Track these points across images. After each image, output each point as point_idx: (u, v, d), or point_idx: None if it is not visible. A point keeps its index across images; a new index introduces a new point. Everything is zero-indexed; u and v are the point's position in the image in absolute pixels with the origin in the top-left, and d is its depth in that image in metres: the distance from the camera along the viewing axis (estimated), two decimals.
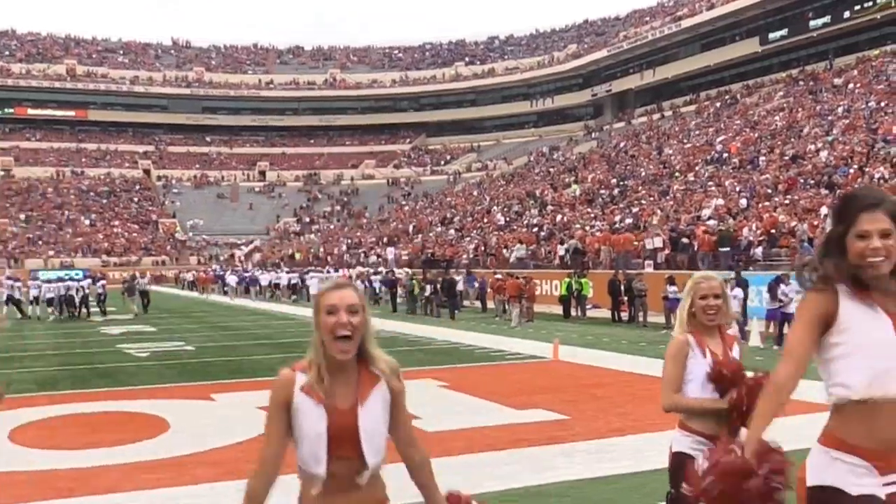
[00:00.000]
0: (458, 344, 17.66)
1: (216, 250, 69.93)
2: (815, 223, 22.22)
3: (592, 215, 36.59)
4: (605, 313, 23.94)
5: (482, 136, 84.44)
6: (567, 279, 25.31)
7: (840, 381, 2.48)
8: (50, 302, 27.86)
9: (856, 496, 2.45)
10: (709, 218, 27.58)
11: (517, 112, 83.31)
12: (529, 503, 6.10)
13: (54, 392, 11.97)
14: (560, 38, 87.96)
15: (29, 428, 9.26)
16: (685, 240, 25.84)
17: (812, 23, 52.48)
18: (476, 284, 30.19)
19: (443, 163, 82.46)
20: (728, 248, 23.79)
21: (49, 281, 30.77)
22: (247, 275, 46.65)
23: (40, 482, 6.90)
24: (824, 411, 2.63)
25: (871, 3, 48.10)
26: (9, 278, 33.07)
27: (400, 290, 29.94)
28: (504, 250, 35.98)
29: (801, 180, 28.64)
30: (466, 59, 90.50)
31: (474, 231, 45.31)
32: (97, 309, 29.04)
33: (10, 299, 28.64)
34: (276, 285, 40.62)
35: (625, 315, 22.73)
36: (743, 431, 3.27)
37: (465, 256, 38.86)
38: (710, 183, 33.58)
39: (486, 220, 46.60)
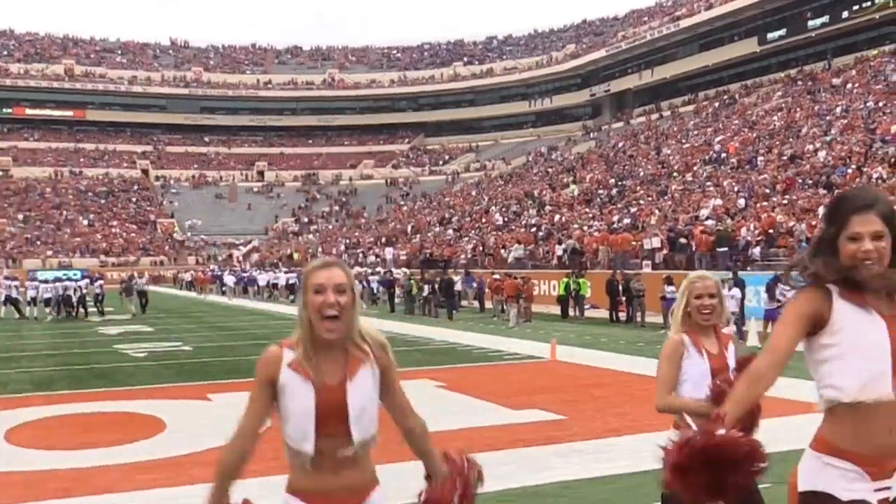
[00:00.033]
0: (455, 344, 17.65)
1: (214, 250, 69.93)
2: (814, 223, 22.19)
3: (590, 215, 36.59)
4: (603, 313, 23.92)
5: (480, 136, 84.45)
6: (565, 279, 25.30)
7: (831, 383, 2.44)
8: (47, 302, 27.85)
9: (847, 501, 2.42)
10: (707, 218, 27.58)
11: (515, 112, 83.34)
12: (527, 503, 6.09)
13: (51, 392, 11.94)
14: (558, 38, 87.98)
15: (25, 428, 9.24)
16: (683, 240, 25.84)
17: (810, 23, 52.52)
18: (474, 284, 30.19)
19: (441, 163, 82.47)
20: (726, 248, 23.79)
21: (46, 281, 30.75)
22: (245, 275, 46.67)
23: (37, 482, 6.88)
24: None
25: (869, 3, 48.13)
26: (7, 278, 33.06)
27: (398, 290, 29.93)
28: (502, 250, 35.97)
29: (800, 180, 28.65)
30: (465, 59, 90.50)
31: (472, 231, 45.32)
32: (95, 309, 29.03)
33: (9, 299, 28.62)
34: (275, 285, 40.60)
35: (623, 315, 22.72)
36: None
37: (463, 256, 38.85)
38: (709, 183, 33.59)
39: (484, 220, 46.61)
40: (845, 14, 49.70)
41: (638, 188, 38.54)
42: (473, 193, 59.24)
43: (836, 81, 43.01)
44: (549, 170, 55.67)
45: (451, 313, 25.32)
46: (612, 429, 8.58)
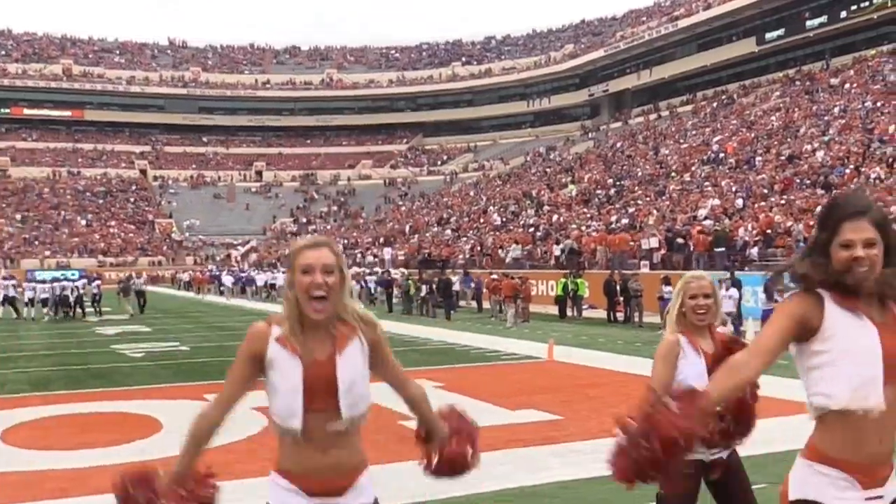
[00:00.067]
0: (453, 344, 17.63)
1: (212, 250, 69.89)
2: (811, 223, 22.22)
3: (589, 215, 36.60)
4: (601, 313, 23.89)
5: (479, 136, 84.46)
6: (563, 279, 25.30)
7: (821, 391, 2.40)
8: (45, 302, 27.81)
9: None
10: (705, 218, 27.60)
11: (514, 112, 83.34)
12: (524, 503, 6.09)
13: (48, 392, 11.93)
14: (557, 38, 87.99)
15: (22, 428, 9.23)
16: (681, 240, 25.85)
17: (809, 23, 52.55)
18: (472, 285, 30.20)
19: (439, 163, 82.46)
20: (724, 249, 23.80)
21: (44, 281, 30.70)
22: (243, 275, 46.62)
23: (34, 483, 6.87)
24: None
25: (867, 3, 48.16)
26: (5, 278, 33.03)
27: (396, 291, 29.94)
28: (500, 250, 35.97)
29: (798, 180, 28.67)
30: (463, 59, 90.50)
31: (471, 231, 45.32)
32: (92, 309, 29.00)
33: (6, 299, 28.60)
34: (273, 285, 40.50)
35: (620, 315, 22.71)
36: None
37: (461, 256, 38.87)
38: (707, 183, 33.61)
39: (482, 221, 46.61)
40: (843, 14, 49.74)
41: (636, 188, 38.56)
42: (472, 193, 59.25)
43: (834, 81, 43.05)
44: (548, 170, 55.69)
45: (449, 313, 25.31)
46: (609, 429, 8.54)
